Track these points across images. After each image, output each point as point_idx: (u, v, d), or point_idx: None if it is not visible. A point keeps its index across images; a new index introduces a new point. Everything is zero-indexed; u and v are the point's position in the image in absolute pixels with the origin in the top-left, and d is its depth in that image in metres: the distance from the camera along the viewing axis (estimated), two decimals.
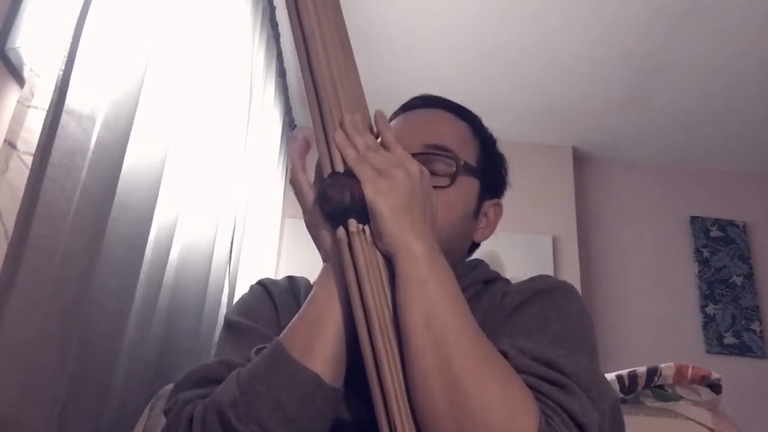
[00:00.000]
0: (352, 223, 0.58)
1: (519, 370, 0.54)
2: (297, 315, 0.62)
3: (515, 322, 0.64)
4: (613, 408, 0.58)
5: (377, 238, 0.58)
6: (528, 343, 0.58)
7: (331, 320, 0.59)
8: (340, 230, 0.59)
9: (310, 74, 0.63)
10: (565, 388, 0.54)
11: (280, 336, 0.60)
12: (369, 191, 0.56)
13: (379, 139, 0.63)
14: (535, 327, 0.62)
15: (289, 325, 0.61)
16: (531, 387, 0.53)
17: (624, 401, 1.01)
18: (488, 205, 0.81)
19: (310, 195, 0.63)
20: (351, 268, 0.57)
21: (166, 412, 0.62)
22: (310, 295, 0.63)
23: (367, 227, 0.58)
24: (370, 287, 0.56)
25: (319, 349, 0.57)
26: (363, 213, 0.57)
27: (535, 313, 0.64)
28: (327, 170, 0.61)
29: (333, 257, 0.61)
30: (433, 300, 0.54)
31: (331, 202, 0.58)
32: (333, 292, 0.60)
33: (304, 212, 0.65)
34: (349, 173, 0.58)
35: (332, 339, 0.58)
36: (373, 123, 0.64)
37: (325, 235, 0.62)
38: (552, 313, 0.63)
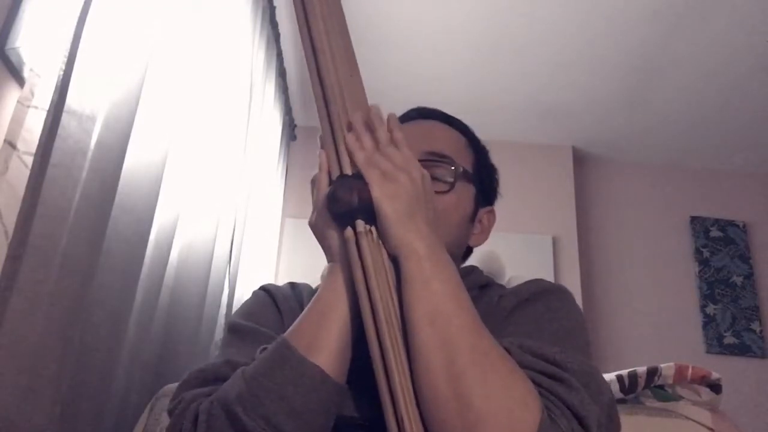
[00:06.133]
0: (360, 224, 0.59)
1: (520, 366, 0.56)
2: (302, 313, 0.63)
3: (512, 323, 0.66)
4: (610, 404, 0.59)
5: (383, 239, 0.60)
6: (527, 341, 0.60)
7: (336, 317, 0.60)
8: (348, 230, 0.60)
9: (319, 81, 0.65)
10: (564, 382, 0.55)
11: (286, 333, 0.61)
12: (376, 194, 0.59)
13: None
14: (532, 327, 0.64)
15: (294, 323, 0.62)
16: (532, 381, 0.55)
17: (624, 401, 1.01)
18: (483, 212, 0.84)
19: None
20: (359, 267, 0.59)
21: (170, 412, 0.62)
22: (316, 294, 0.64)
23: (373, 228, 0.60)
24: (378, 285, 0.58)
25: (324, 345, 0.58)
26: (370, 214, 0.59)
27: (531, 314, 0.66)
28: (335, 173, 0.63)
29: (340, 257, 0.62)
30: (436, 298, 0.56)
31: (340, 203, 0.60)
32: (339, 290, 0.61)
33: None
34: (357, 175, 0.60)
35: (337, 335, 0.59)
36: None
37: (333, 235, 0.63)
38: (547, 314, 0.66)
